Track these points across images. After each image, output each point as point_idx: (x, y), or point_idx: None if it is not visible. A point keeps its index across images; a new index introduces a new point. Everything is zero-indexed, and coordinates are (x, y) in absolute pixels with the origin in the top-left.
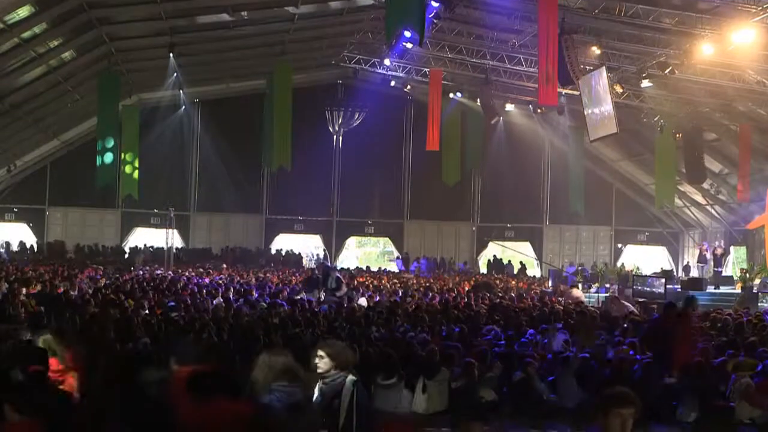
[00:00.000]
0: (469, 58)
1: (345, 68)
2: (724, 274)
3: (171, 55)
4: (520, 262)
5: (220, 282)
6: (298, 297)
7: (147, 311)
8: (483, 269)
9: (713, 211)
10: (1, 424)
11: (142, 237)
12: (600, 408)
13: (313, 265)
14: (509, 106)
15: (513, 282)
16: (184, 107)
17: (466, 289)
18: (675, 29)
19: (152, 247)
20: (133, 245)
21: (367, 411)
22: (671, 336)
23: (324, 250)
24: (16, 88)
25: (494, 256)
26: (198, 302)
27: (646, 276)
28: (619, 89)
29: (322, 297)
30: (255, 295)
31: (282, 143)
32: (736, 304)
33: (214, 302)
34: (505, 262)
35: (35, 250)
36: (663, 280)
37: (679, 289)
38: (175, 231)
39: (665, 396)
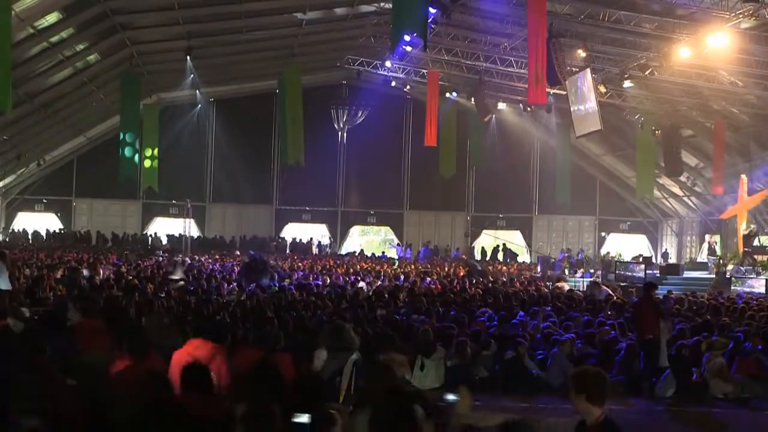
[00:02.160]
0: (464, 60)
1: (349, 70)
2: (699, 260)
3: (188, 57)
4: (494, 247)
5: (234, 268)
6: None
7: (164, 294)
8: (478, 256)
9: (690, 202)
10: None
11: (162, 226)
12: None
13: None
14: (501, 105)
15: (504, 268)
16: (200, 106)
17: (462, 274)
18: (655, 34)
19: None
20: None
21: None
22: None
23: (330, 237)
24: (45, 88)
25: (503, 244)
26: (213, 286)
27: (627, 262)
28: (603, 89)
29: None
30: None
31: (295, 141)
32: (710, 288)
33: (229, 287)
34: (500, 249)
35: (53, 237)
36: (643, 266)
37: (658, 274)
38: (192, 220)
39: (645, 373)
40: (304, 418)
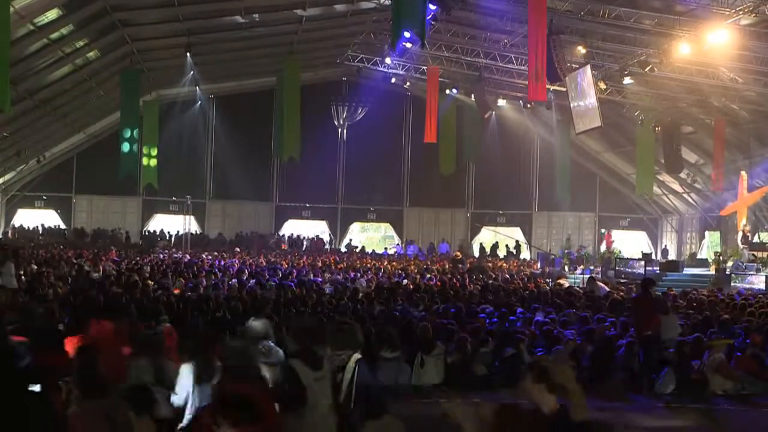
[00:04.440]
0: (464, 56)
1: (349, 66)
2: (699, 256)
3: (188, 54)
4: (506, 245)
5: (234, 264)
6: None
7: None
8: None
9: (689, 199)
10: None
11: (161, 223)
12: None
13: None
14: (501, 102)
15: (504, 264)
16: (200, 102)
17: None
18: (654, 30)
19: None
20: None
21: (366, 389)
22: None
23: (330, 234)
24: (45, 85)
25: (516, 241)
26: (213, 283)
27: (627, 258)
28: (602, 86)
29: None
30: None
31: (291, 136)
32: (710, 284)
33: (229, 283)
34: (501, 245)
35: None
36: (643, 263)
37: (658, 271)
38: (192, 217)
39: (645, 370)
40: (36, 387)
